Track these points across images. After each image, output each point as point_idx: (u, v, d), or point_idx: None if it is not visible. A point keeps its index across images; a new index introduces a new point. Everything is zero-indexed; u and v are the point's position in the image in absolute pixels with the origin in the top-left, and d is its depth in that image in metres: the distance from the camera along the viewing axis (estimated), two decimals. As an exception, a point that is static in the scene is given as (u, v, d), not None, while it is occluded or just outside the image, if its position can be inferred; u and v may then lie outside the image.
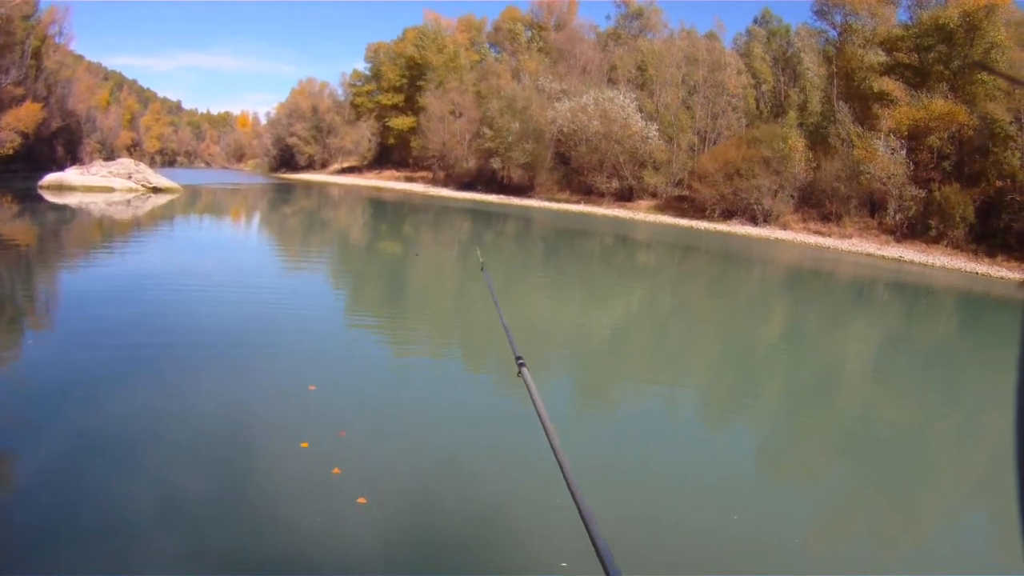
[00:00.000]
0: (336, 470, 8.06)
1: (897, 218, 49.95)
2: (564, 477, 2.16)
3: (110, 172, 55.23)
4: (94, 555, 6.26)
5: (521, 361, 2.89)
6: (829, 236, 51.53)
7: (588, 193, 70.69)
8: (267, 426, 9.44)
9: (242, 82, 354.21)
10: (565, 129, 71.37)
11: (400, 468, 8.52)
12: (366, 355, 14.16)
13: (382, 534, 7.03)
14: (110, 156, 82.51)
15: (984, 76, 49.78)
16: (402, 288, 24.36)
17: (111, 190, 52.88)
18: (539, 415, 2.49)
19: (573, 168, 72.90)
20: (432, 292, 24.09)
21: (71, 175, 54.76)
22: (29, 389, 10.41)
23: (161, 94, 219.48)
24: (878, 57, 56.25)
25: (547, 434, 2.39)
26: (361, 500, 7.42)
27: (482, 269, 6.02)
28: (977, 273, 40.31)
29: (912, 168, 49.64)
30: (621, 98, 69.30)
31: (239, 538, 6.72)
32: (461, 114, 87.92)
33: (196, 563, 6.27)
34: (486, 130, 79.50)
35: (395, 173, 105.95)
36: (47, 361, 11.85)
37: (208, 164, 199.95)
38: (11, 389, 10.52)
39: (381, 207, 64.39)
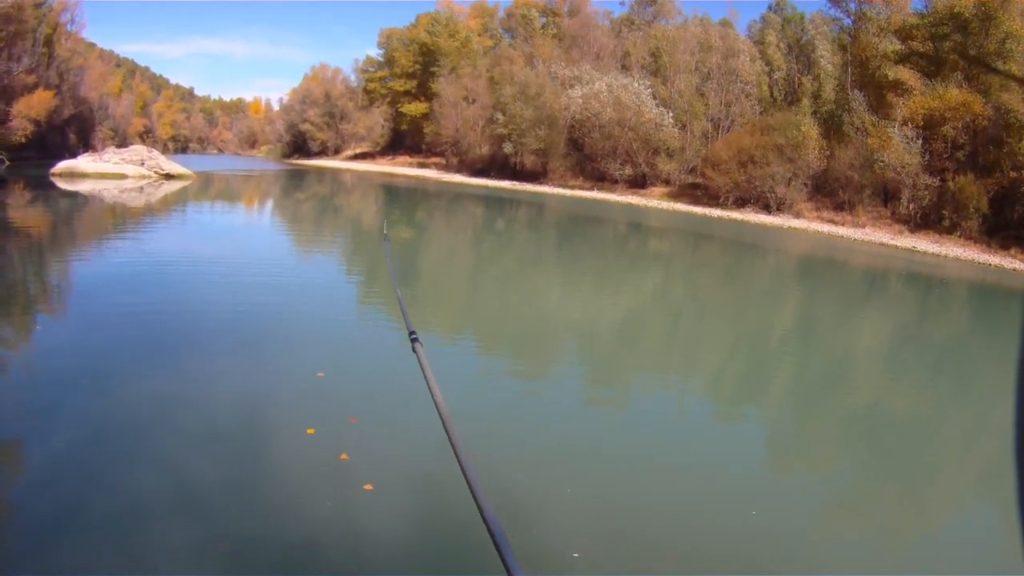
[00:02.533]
0: (343, 456, 8.08)
1: (911, 208, 49.68)
2: (456, 457, 2.17)
3: (122, 159, 55.31)
4: (103, 544, 6.28)
5: (414, 336, 2.95)
6: (842, 225, 51.30)
7: (601, 180, 70.56)
8: (276, 412, 9.47)
9: (254, 68, 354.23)
10: (578, 115, 71.21)
11: (407, 454, 8.54)
12: (375, 340, 14.16)
13: (388, 521, 7.03)
14: (123, 143, 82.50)
15: (999, 65, 49.50)
16: (412, 274, 24.34)
17: (124, 177, 52.94)
18: (431, 392, 2.54)
19: (586, 154, 72.75)
20: (442, 278, 24.09)
21: (83, 162, 54.82)
22: (38, 376, 10.46)
23: (173, 81, 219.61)
24: (893, 45, 55.85)
25: (439, 411, 2.44)
26: (368, 487, 7.43)
27: (385, 238, 6.07)
28: (990, 264, 40.05)
29: (926, 158, 49.37)
30: (634, 84, 69.14)
31: (248, 525, 6.74)
32: (474, 100, 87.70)
33: (203, 551, 6.28)
34: (499, 116, 79.37)
35: (408, 159, 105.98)
36: (56, 348, 11.92)
37: (221, 150, 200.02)
38: (22, 376, 10.58)
39: (394, 193, 64.42)
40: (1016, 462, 0.96)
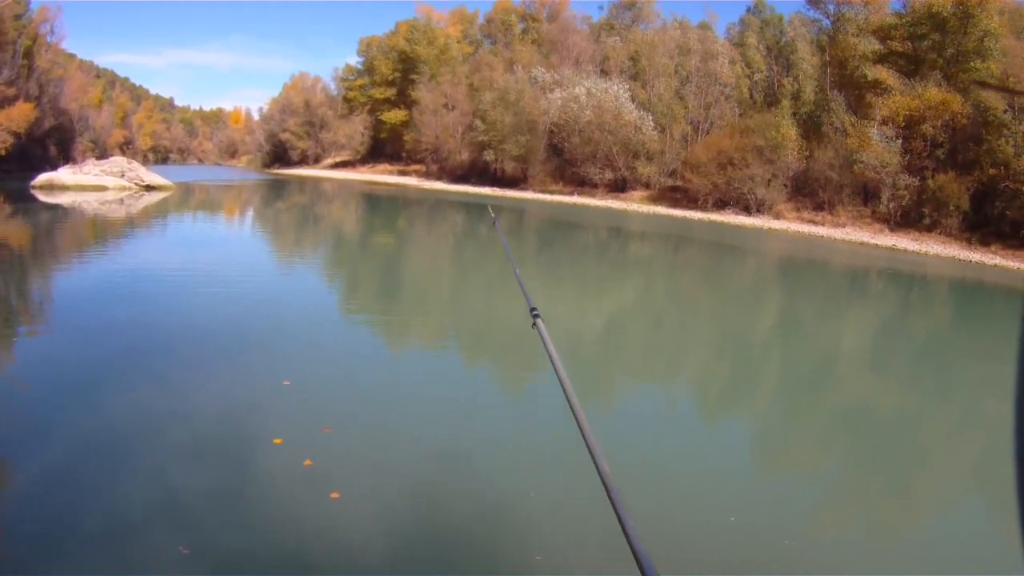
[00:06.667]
0: (307, 462, 8.05)
1: (891, 207, 49.87)
2: (582, 434, 2.10)
3: (103, 171, 55.14)
4: (84, 553, 6.27)
5: (536, 312, 2.97)
6: (822, 225, 51.49)
7: (581, 184, 70.62)
8: (245, 422, 9.40)
9: (234, 78, 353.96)
10: (557, 120, 71.28)
11: (376, 462, 8.49)
12: (352, 348, 14.13)
13: (354, 528, 6.97)
14: (103, 155, 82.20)
15: (977, 64, 49.81)
16: (393, 281, 24.32)
17: (104, 189, 52.77)
18: (554, 367, 2.46)
19: (566, 159, 72.83)
20: (426, 285, 24.06)
21: (64, 174, 54.62)
22: (18, 389, 10.47)
23: (153, 91, 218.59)
24: (871, 45, 56.27)
25: (563, 387, 2.36)
26: (334, 495, 7.38)
27: (494, 224, 6.02)
28: (971, 261, 40.28)
29: (905, 156, 49.57)
30: (614, 88, 69.25)
31: (224, 535, 6.71)
32: (454, 107, 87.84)
33: (177, 559, 6.22)
34: (479, 123, 79.47)
35: (388, 167, 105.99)
36: (36, 360, 11.97)
37: (201, 161, 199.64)
38: (4, 390, 10.55)
39: (374, 201, 64.35)
40: (1016, 462, 0.97)
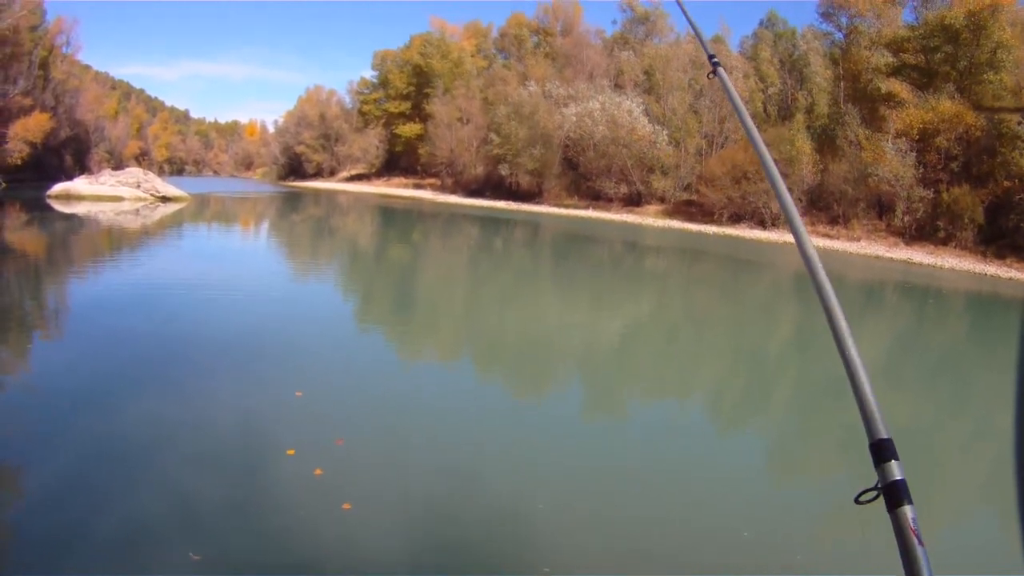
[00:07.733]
0: (318, 471, 8.06)
1: (905, 220, 49.64)
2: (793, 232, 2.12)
3: (118, 181, 55.37)
4: (100, 559, 6.31)
5: (715, 60, 3.00)
6: (837, 239, 51.23)
7: (596, 198, 70.49)
8: (259, 432, 9.43)
9: (249, 90, 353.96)
10: (572, 134, 71.25)
11: (388, 473, 8.51)
12: (365, 360, 14.19)
13: (366, 539, 6.99)
14: (118, 165, 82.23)
15: (990, 76, 49.64)
16: (406, 294, 24.36)
17: (120, 199, 52.97)
18: (739, 115, 2.56)
19: (581, 173, 72.68)
20: (442, 297, 24.10)
21: (80, 184, 54.95)
22: (32, 397, 10.54)
23: (169, 103, 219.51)
24: (884, 58, 56.05)
25: (751, 137, 2.44)
26: (346, 506, 7.39)
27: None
28: (986, 274, 40.02)
29: (920, 170, 49.40)
30: (628, 103, 69.21)
31: (244, 543, 6.76)
32: (468, 121, 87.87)
33: (192, 566, 6.25)
34: (494, 136, 79.41)
35: (403, 180, 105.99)
36: (49, 369, 12.03)
37: (216, 173, 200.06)
38: (18, 398, 10.62)
39: (389, 214, 64.46)
40: (1016, 467, 0.97)
